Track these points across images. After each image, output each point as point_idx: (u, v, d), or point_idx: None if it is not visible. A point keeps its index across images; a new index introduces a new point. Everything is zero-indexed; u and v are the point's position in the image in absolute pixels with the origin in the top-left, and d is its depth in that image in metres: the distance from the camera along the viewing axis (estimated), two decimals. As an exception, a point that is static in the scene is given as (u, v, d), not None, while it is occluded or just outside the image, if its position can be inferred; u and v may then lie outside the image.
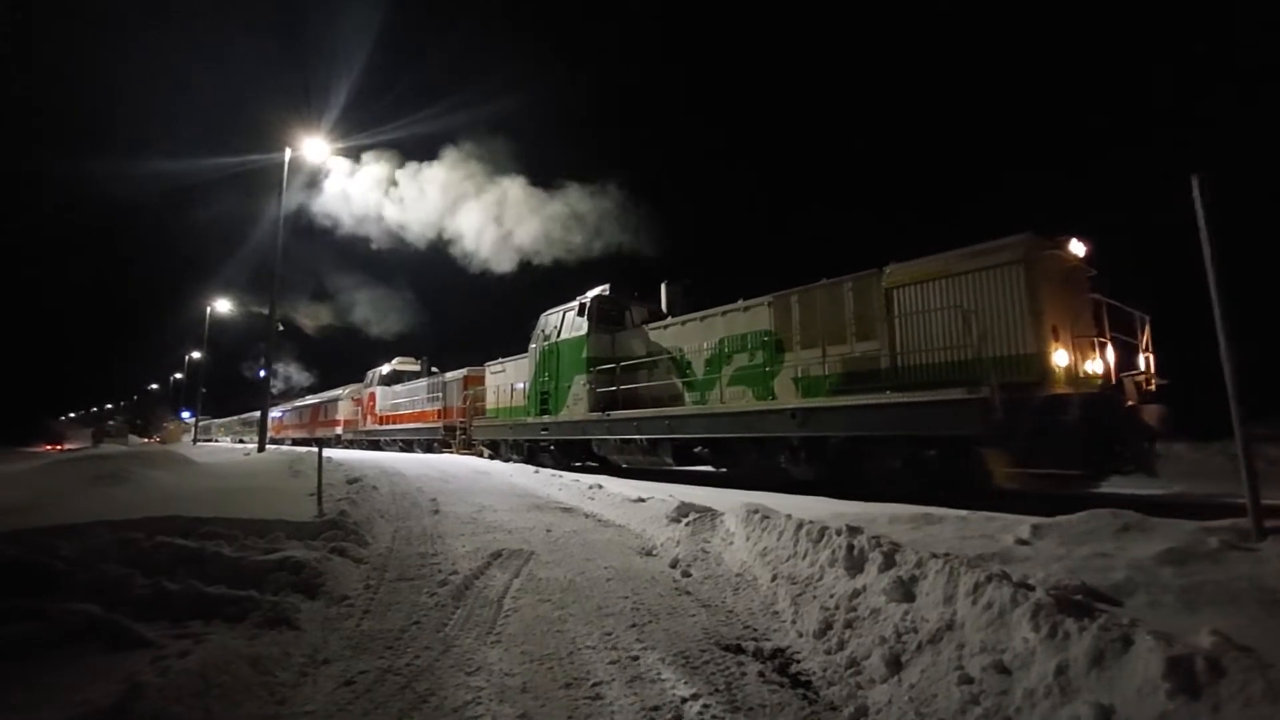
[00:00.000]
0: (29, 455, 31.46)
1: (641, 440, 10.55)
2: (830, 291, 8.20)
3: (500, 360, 16.38)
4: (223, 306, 36.45)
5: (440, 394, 21.03)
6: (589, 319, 12.25)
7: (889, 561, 3.20)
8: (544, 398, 13.34)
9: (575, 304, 12.74)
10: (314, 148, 17.18)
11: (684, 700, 2.38)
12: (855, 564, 3.37)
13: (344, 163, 20.25)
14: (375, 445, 25.94)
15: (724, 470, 9.68)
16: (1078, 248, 6.80)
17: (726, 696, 2.41)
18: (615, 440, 11.18)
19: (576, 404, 12.19)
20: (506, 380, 15.84)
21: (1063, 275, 6.67)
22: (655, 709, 2.33)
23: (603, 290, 12.46)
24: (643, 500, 6.87)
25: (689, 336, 10.44)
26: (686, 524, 5.28)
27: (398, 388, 25.18)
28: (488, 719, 2.30)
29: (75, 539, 4.14)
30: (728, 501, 5.92)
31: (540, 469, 12.46)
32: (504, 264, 18.37)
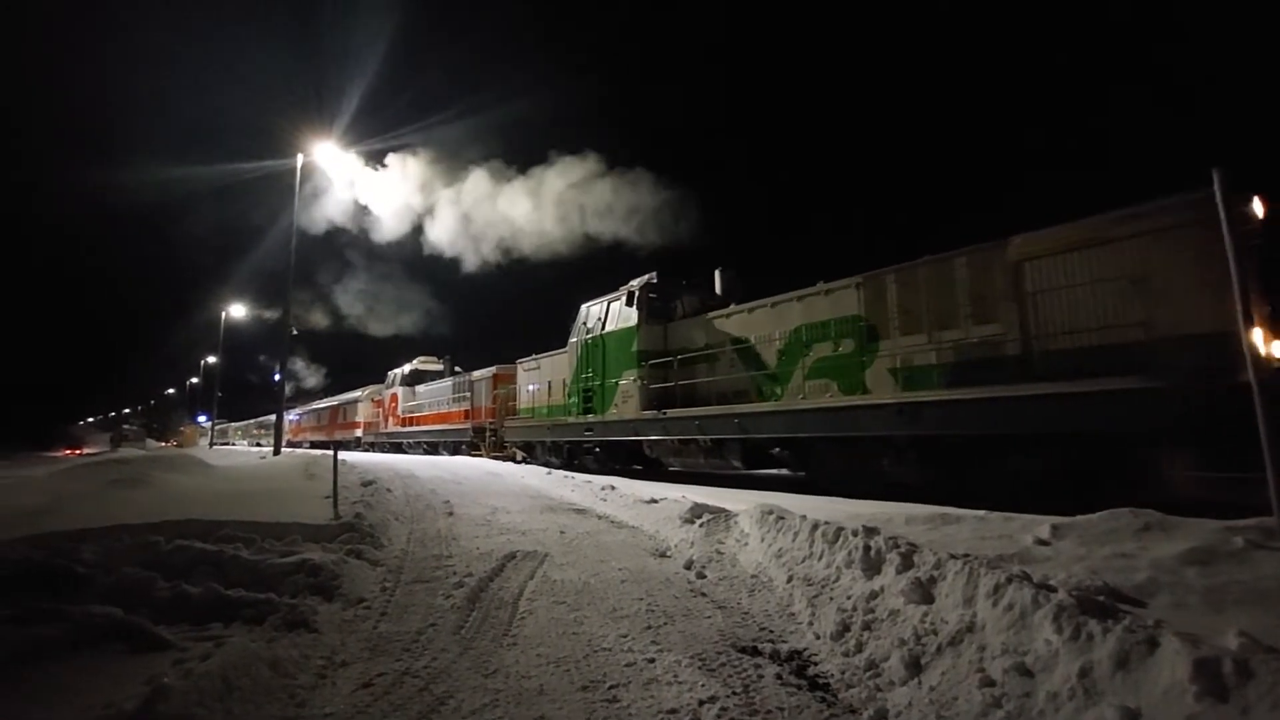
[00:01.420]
0: (49, 460, 31.99)
1: (705, 441, 9.55)
2: (936, 269, 7.09)
3: (534, 356, 15.54)
4: (237, 311, 36.83)
5: (467, 393, 20.07)
6: (639, 308, 11.21)
7: (907, 562, 3.17)
8: (587, 395, 12.38)
9: (622, 292, 11.69)
10: (327, 152, 17.32)
11: (701, 703, 2.37)
12: (872, 565, 3.35)
13: (360, 165, 20.36)
14: (397, 448, 25.26)
15: (803, 475, 8.59)
16: (1258, 208, 5.34)
17: (744, 699, 2.40)
18: (673, 441, 10.21)
19: (626, 402, 11.20)
20: (542, 378, 14.95)
21: (1247, 239, 5.12)
22: (673, 711, 2.32)
23: (650, 278, 11.44)
24: (656, 501, 6.87)
25: (757, 325, 9.39)
26: (700, 525, 5.27)
27: (420, 388, 24.38)
28: (506, 721, 2.30)
29: (96, 542, 4.19)
30: (740, 502, 5.90)
31: (552, 470, 12.43)
32: (526, 252, 18.05)
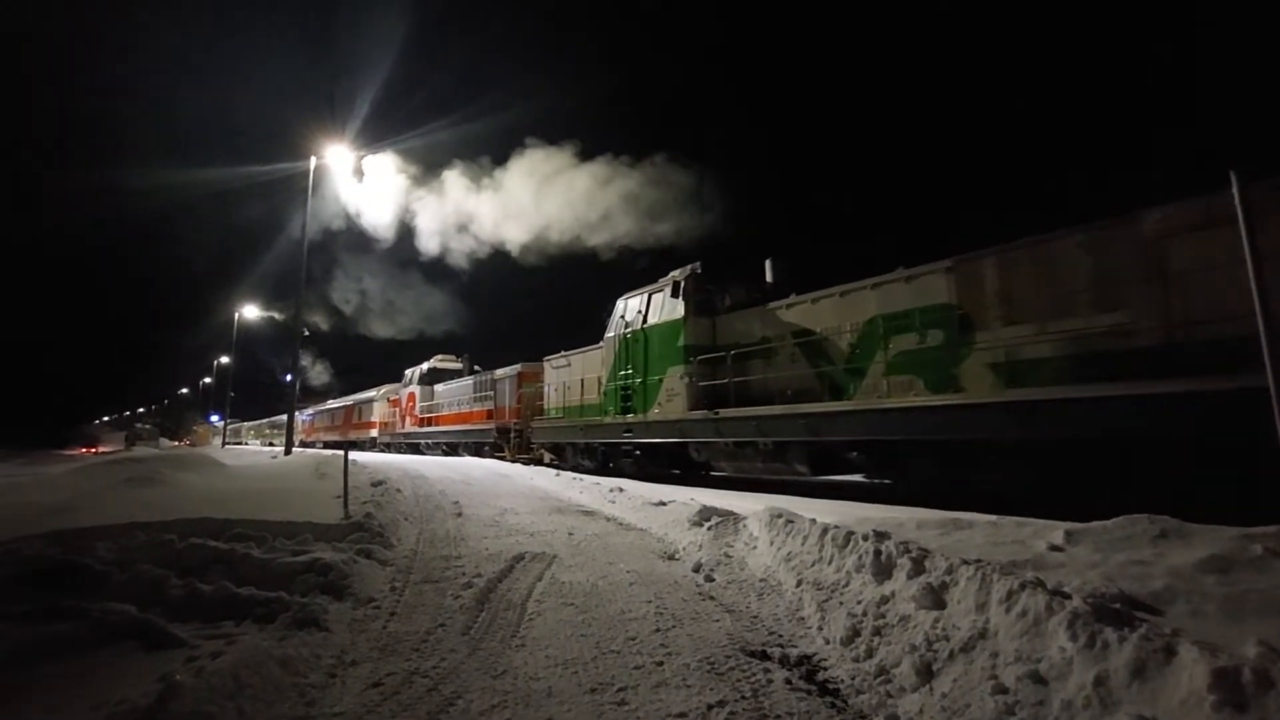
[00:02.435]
0: (65, 458, 32.42)
1: (765, 444, 8.64)
2: (1048, 250, 6.20)
3: (563, 353, 14.70)
4: (250, 312, 37.21)
5: (490, 393, 19.04)
6: (685, 300, 10.35)
7: (918, 568, 3.14)
8: (626, 394, 11.51)
9: (665, 283, 10.84)
10: (340, 154, 17.46)
11: (710, 707, 2.36)
12: (883, 570, 3.32)
13: (372, 166, 20.47)
14: (415, 449, 24.50)
15: (885, 483, 7.72)
16: None
17: (753, 703, 2.39)
18: (726, 444, 9.32)
19: (671, 400, 10.34)
20: (573, 375, 13.99)
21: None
22: (681, 715, 2.31)
23: (694, 268, 10.62)
24: (664, 504, 6.86)
25: (822, 316, 8.50)
26: (709, 528, 5.26)
27: (439, 387, 23.49)
28: (514, 723, 2.30)
29: (112, 540, 4.25)
30: (748, 506, 5.88)
31: (561, 471, 12.42)
32: (543, 249, 17.66)
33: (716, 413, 9.22)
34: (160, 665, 2.59)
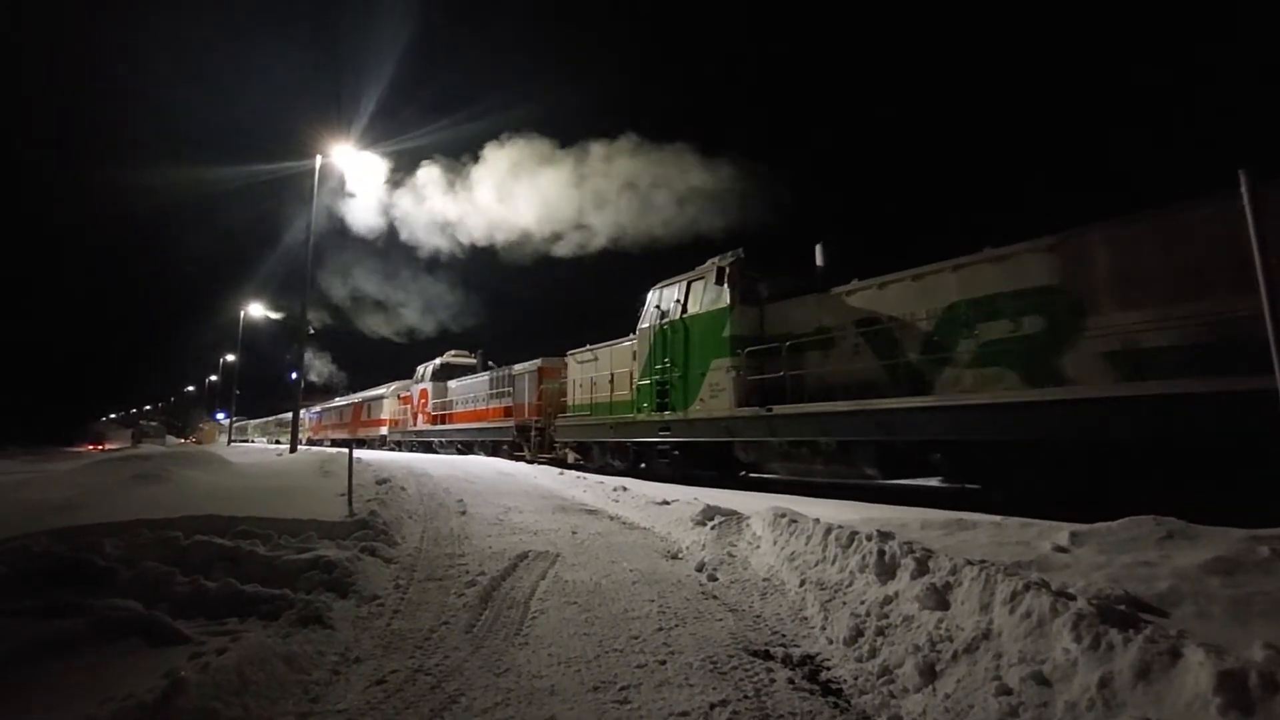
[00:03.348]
0: (72, 455, 32.63)
1: (829, 444, 7.90)
2: (1178, 223, 5.33)
3: (589, 347, 13.89)
4: (256, 310, 37.32)
5: (508, 389, 18.15)
6: (731, 287, 9.54)
7: (922, 568, 3.14)
8: (662, 389, 10.72)
9: (707, 270, 10.12)
10: (346, 154, 17.47)
11: (713, 706, 2.36)
12: (887, 570, 3.32)
13: (380, 164, 20.47)
14: (427, 447, 23.74)
15: (972, 487, 6.66)
16: None
17: (756, 703, 2.38)
18: (780, 444, 8.56)
19: (716, 396, 9.54)
20: (600, 370, 13.17)
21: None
22: (684, 714, 2.31)
23: (739, 253, 9.89)
24: (667, 503, 6.86)
25: (892, 303, 7.66)
26: (712, 527, 5.26)
27: (452, 384, 22.70)
28: (517, 721, 2.31)
29: (118, 537, 4.27)
30: (752, 505, 5.88)
31: (565, 470, 12.35)
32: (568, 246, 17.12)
33: (769, 409, 8.34)
34: (166, 661, 2.60)
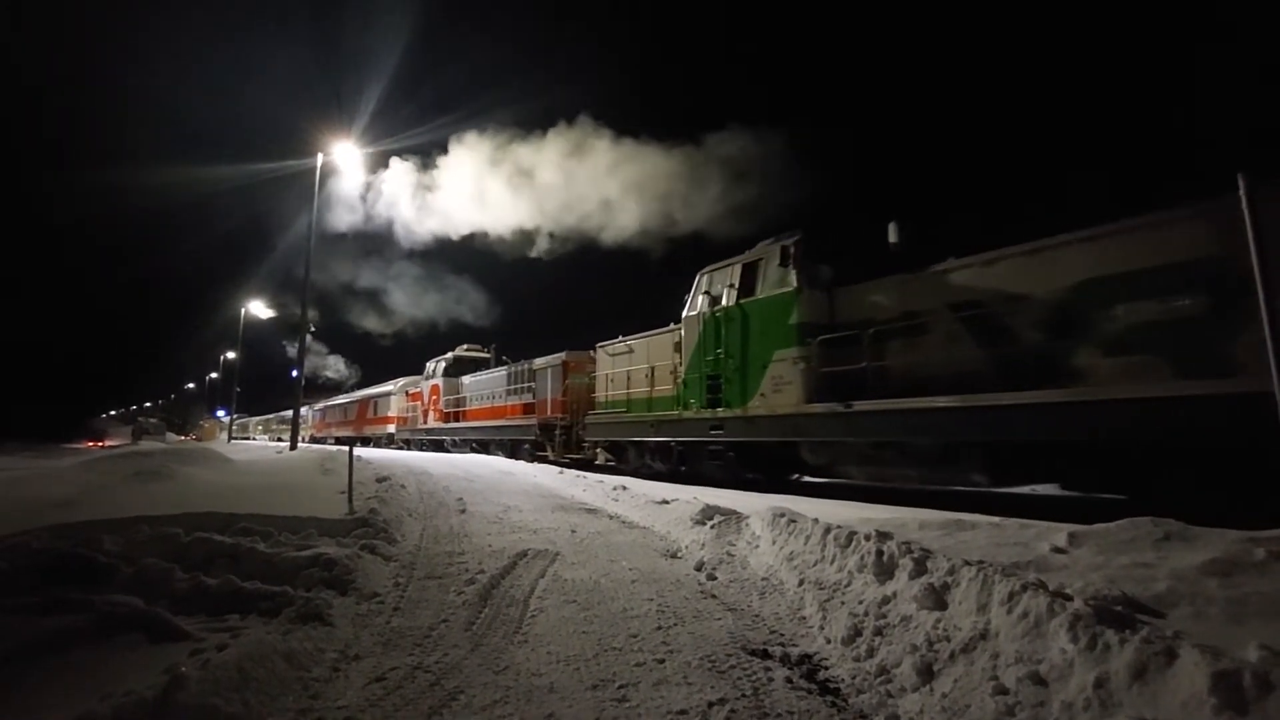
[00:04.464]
0: (72, 452, 32.66)
1: (925, 445, 6.89)
2: None
3: (622, 338, 12.90)
4: (257, 308, 37.33)
5: (529, 384, 17.10)
6: (798, 269, 8.53)
7: (920, 568, 3.15)
8: (714, 383, 9.75)
9: (768, 250, 9.13)
10: (347, 152, 17.49)
11: (711, 705, 2.37)
12: (885, 570, 3.33)
13: (383, 161, 20.47)
14: (439, 446, 22.63)
15: (1120, 498, 5.43)
16: None
17: (754, 702, 2.40)
18: (862, 445, 7.60)
19: (780, 391, 8.52)
20: (636, 363, 12.22)
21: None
22: (682, 713, 2.32)
23: (801, 234, 8.90)
24: (667, 502, 6.87)
25: (998, 283, 6.63)
26: (711, 526, 5.27)
27: (466, 379, 21.62)
28: (516, 718, 2.32)
29: (118, 533, 4.28)
30: (751, 505, 5.89)
31: (565, 470, 12.29)
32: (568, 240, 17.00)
33: (849, 405, 7.35)
34: (166, 657, 2.62)
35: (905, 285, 7.57)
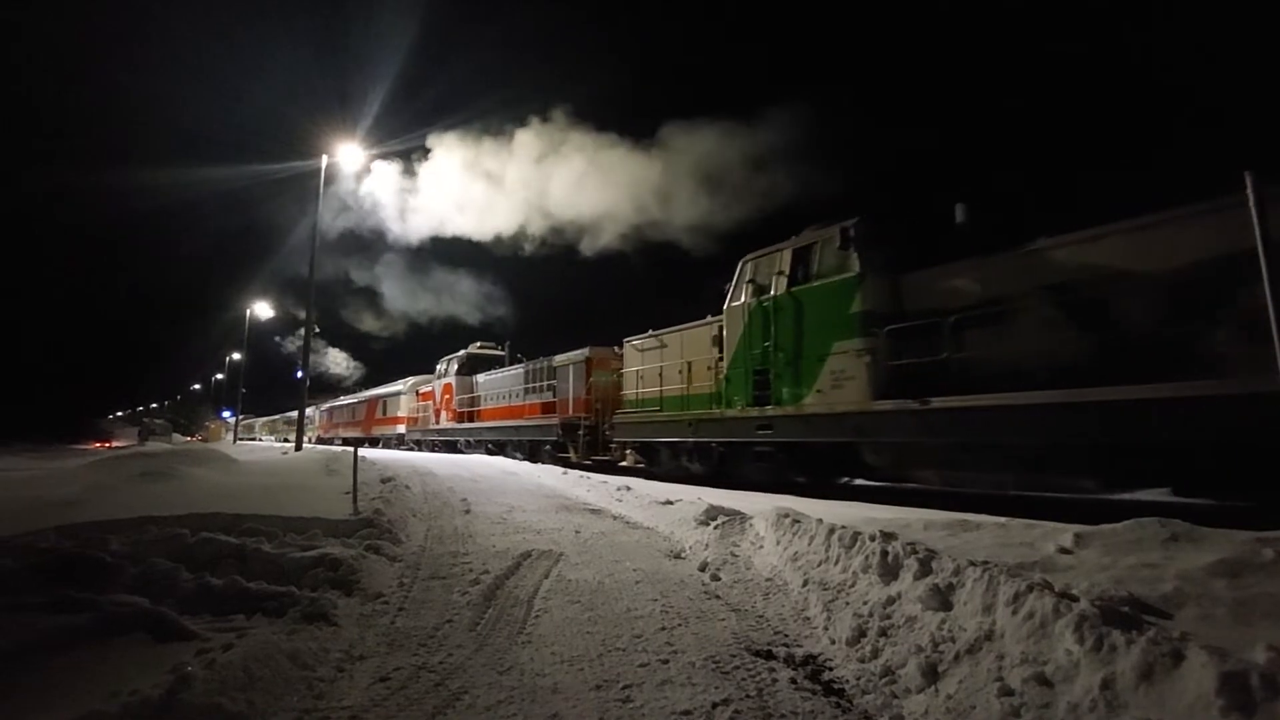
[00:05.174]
0: (80, 452, 32.82)
1: (1018, 446, 6.05)
2: None
3: (652, 332, 12.18)
4: (261, 309, 37.51)
5: (550, 381, 16.36)
6: (860, 251, 7.72)
7: (925, 569, 3.14)
8: (759, 379, 9.01)
9: (827, 231, 8.24)
10: (352, 153, 17.55)
11: (715, 705, 2.36)
12: (889, 570, 3.31)
13: (391, 160, 20.46)
14: (451, 447, 22.01)
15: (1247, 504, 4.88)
16: None
17: (758, 703, 2.39)
18: (939, 446, 6.82)
19: (840, 386, 7.77)
20: (669, 359, 11.51)
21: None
22: (686, 713, 2.32)
23: (858, 218, 8.06)
24: (671, 503, 6.86)
25: (1108, 262, 5.80)
26: (715, 527, 5.26)
27: (480, 377, 20.88)
28: (520, 718, 2.32)
29: (124, 533, 4.30)
30: (755, 505, 5.88)
31: (568, 470, 12.28)
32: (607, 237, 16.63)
33: (926, 402, 6.63)
34: (172, 657, 2.62)
35: (988, 268, 6.75)
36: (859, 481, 8.83)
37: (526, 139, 17.84)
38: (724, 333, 9.93)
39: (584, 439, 14.30)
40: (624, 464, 12.95)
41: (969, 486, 6.98)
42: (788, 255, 8.88)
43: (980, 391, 6.22)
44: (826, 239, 8.30)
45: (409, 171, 20.49)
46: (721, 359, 10.01)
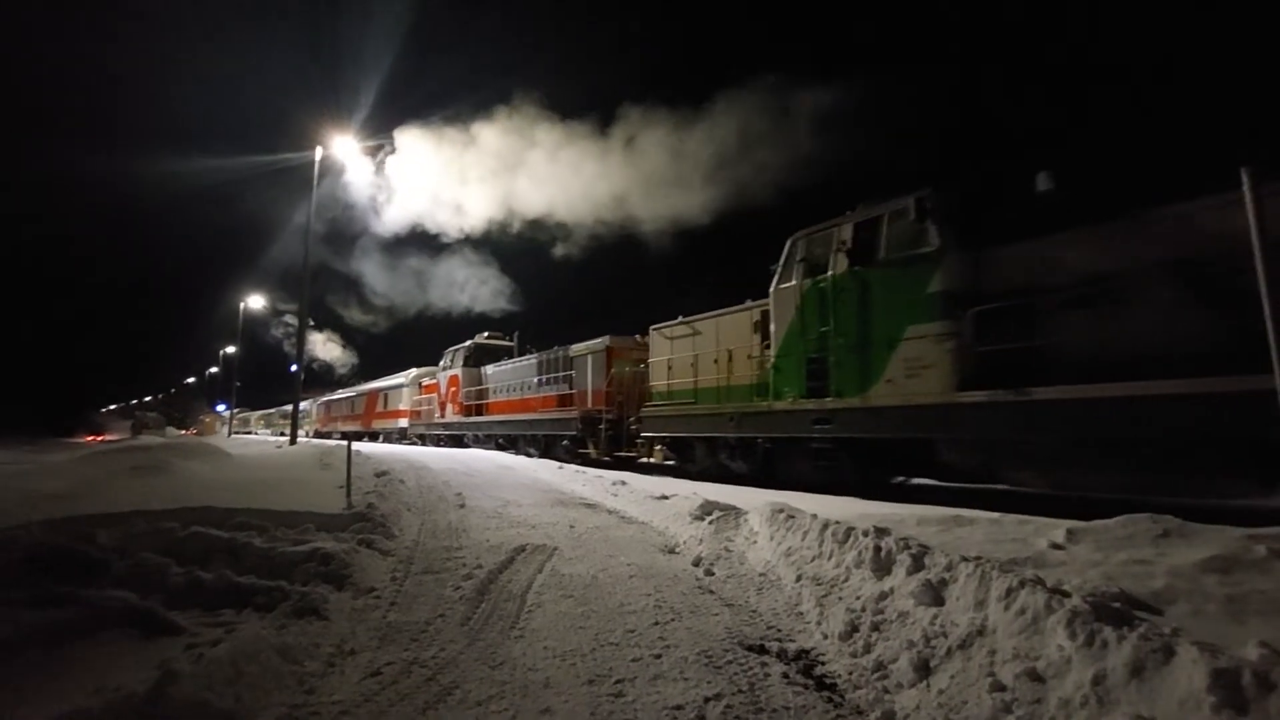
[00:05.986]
0: (71, 446, 32.61)
1: (1149, 442, 5.20)
2: None
3: (684, 319, 11.18)
4: (256, 302, 37.33)
5: (567, 372, 15.35)
6: (937, 223, 6.85)
7: (918, 564, 3.14)
8: (815, 368, 8.09)
9: (898, 203, 7.30)
10: (347, 144, 17.45)
11: (707, 700, 2.36)
12: (882, 566, 3.32)
13: (386, 151, 20.26)
14: (458, 442, 20.81)
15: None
16: None
17: (750, 697, 2.39)
18: (1044, 443, 5.86)
19: (915, 375, 6.89)
20: (704, 347, 10.56)
21: None
22: (678, 708, 2.31)
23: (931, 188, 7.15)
24: (666, 498, 6.86)
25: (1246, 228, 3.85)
26: (710, 522, 5.26)
27: (489, 369, 19.82)
28: (511, 713, 2.31)
29: (113, 527, 4.26)
30: (750, 501, 5.88)
31: (564, 464, 12.15)
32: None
33: (1028, 393, 5.79)
34: (159, 652, 2.60)
35: (1096, 240, 5.85)
36: (926, 481, 8.06)
37: (542, 135, 17.66)
38: (769, 318, 8.99)
39: (606, 434, 13.23)
40: (649, 460, 12.05)
41: (1073, 490, 6.21)
42: (849, 229, 7.89)
43: (1084, 381, 5.45)
44: (896, 210, 7.33)
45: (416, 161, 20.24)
46: (767, 346, 9.05)
